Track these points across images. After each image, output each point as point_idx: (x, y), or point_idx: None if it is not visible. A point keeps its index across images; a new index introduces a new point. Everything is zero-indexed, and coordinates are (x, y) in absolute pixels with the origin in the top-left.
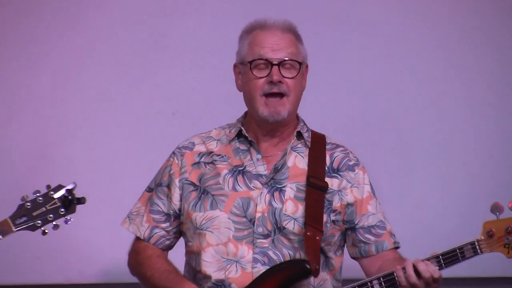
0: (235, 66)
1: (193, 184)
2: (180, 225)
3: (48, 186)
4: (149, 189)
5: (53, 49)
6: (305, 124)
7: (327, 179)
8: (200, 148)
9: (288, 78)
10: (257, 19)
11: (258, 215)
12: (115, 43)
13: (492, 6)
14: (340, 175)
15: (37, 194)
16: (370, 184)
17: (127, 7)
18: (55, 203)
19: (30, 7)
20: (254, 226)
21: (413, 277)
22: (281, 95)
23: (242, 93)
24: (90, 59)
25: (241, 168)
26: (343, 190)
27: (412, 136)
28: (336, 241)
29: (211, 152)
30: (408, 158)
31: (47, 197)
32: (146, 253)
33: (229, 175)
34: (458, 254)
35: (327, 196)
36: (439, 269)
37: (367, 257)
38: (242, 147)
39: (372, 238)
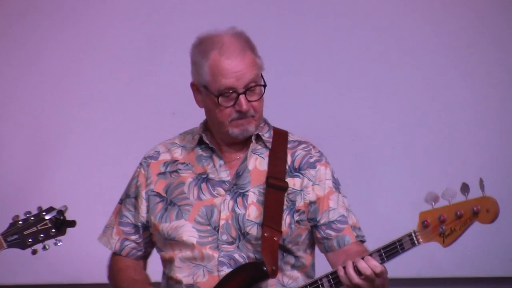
0: (192, 84)
1: (159, 195)
2: (151, 236)
3: (40, 208)
4: (120, 201)
5: (52, 49)
6: (267, 123)
7: (288, 179)
8: (165, 156)
9: (254, 101)
10: (208, 34)
11: (222, 222)
12: (115, 43)
13: (493, 5)
14: (301, 173)
15: (29, 215)
16: (333, 178)
17: (127, 7)
18: (46, 224)
19: (29, 6)
20: (218, 233)
21: (355, 277)
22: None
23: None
24: (90, 59)
25: (204, 176)
26: (305, 189)
27: (412, 136)
28: (304, 240)
29: (176, 160)
30: (408, 157)
31: (39, 218)
32: (117, 266)
33: (193, 184)
34: (398, 246)
35: (290, 196)
36: (381, 263)
37: (332, 252)
38: (205, 154)
39: (332, 233)
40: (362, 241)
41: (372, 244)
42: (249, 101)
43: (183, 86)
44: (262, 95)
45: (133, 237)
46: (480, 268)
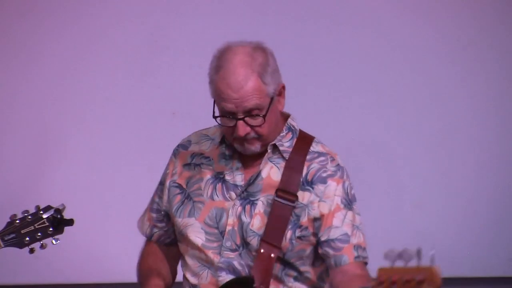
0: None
1: (180, 186)
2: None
3: (37, 207)
4: (156, 186)
5: (51, 49)
6: (291, 130)
7: (299, 192)
8: (194, 148)
9: (254, 126)
10: (225, 50)
11: (228, 228)
12: (115, 43)
13: (493, 5)
14: (312, 188)
15: (26, 214)
16: (344, 195)
17: (127, 7)
18: (43, 223)
19: (29, 6)
20: (223, 239)
21: None
22: None
23: None
24: (90, 59)
25: (222, 176)
26: (311, 204)
27: (412, 136)
28: (310, 255)
29: (202, 153)
30: (408, 157)
31: (36, 217)
32: (145, 250)
33: (210, 182)
34: None
35: (296, 211)
36: None
37: (331, 269)
38: (227, 152)
39: (331, 252)
40: (365, 262)
41: (372, 247)
42: (251, 126)
43: (183, 86)
44: (265, 119)
45: (160, 225)
46: (480, 268)
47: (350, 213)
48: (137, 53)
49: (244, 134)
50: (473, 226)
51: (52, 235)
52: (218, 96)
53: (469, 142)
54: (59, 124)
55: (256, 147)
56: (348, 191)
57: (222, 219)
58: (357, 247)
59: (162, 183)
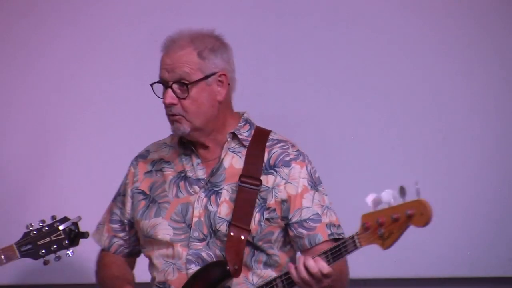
0: None
1: (143, 193)
2: (137, 233)
3: (54, 217)
4: (113, 199)
5: (51, 49)
6: (248, 123)
7: (263, 176)
8: (153, 156)
9: (181, 98)
10: (181, 33)
11: (195, 219)
12: (115, 42)
13: (494, 4)
14: (276, 171)
15: (42, 224)
16: (309, 177)
17: (127, 7)
18: (59, 235)
19: (30, 6)
20: (190, 230)
21: (303, 272)
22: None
23: None
24: (90, 59)
25: (183, 174)
26: (277, 187)
27: (412, 136)
28: (278, 238)
29: (162, 159)
30: (408, 157)
31: (53, 228)
32: (102, 261)
33: (173, 182)
34: (342, 249)
35: (262, 194)
36: (328, 265)
37: (304, 250)
38: (186, 152)
39: (304, 232)
40: (339, 239)
41: (372, 246)
42: (179, 98)
43: None
44: (190, 94)
45: (121, 234)
46: (479, 268)
47: (317, 194)
48: (137, 53)
49: (169, 102)
50: (473, 226)
51: (67, 247)
52: (159, 66)
53: (469, 142)
54: (58, 124)
55: (184, 128)
56: (312, 173)
57: (188, 213)
58: (330, 225)
59: (121, 194)
